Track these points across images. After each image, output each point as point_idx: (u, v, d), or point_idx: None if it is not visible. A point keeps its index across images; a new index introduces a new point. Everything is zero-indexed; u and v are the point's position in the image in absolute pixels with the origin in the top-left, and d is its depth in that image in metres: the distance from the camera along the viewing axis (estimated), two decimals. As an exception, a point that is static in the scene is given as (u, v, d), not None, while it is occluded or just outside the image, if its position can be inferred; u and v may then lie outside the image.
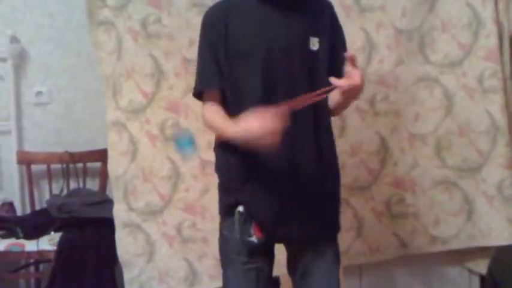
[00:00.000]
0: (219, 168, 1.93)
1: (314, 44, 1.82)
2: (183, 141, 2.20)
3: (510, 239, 2.63)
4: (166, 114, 2.58)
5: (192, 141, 2.16)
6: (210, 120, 1.86)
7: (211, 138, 2.58)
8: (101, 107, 2.73)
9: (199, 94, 1.92)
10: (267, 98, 1.75)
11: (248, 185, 1.82)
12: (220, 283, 2.57)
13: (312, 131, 1.82)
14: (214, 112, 1.85)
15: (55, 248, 2.71)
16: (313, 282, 1.89)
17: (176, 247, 2.62)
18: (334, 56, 1.86)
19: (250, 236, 1.83)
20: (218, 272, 2.52)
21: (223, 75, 1.82)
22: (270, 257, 1.93)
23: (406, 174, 2.65)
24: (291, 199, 1.81)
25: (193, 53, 2.55)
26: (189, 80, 2.58)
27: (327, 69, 1.83)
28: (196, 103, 2.56)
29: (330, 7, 1.93)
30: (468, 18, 2.57)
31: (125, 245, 2.61)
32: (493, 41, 2.55)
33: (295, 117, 1.68)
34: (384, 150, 2.64)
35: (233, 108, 1.80)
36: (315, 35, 1.83)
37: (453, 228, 2.67)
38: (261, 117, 1.62)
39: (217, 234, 2.40)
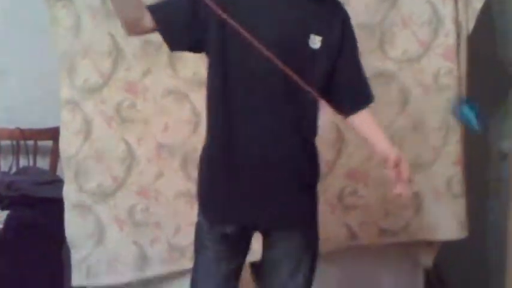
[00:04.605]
0: None
1: (315, 42, 1.76)
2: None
3: (456, 234, 2.70)
4: (123, 95, 2.53)
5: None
6: None
7: (168, 121, 2.57)
8: (55, 85, 2.67)
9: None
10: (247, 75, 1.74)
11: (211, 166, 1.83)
12: (172, 267, 2.57)
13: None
14: None
15: (1, 226, 2.65)
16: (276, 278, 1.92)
17: (127, 231, 2.57)
18: (337, 63, 1.82)
19: None
20: (171, 256, 2.52)
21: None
22: (241, 249, 1.91)
23: (360, 166, 2.67)
24: (247, 183, 1.80)
25: (154, 36, 2.53)
26: (148, 61, 2.55)
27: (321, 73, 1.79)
28: (154, 86, 2.55)
29: (345, 14, 1.87)
30: (428, 16, 2.59)
31: (74, 226, 2.56)
32: (451, 39, 2.58)
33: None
34: (340, 141, 2.66)
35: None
36: (319, 33, 1.75)
37: (402, 221, 2.71)
38: None
39: (170, 220, 2.39)
